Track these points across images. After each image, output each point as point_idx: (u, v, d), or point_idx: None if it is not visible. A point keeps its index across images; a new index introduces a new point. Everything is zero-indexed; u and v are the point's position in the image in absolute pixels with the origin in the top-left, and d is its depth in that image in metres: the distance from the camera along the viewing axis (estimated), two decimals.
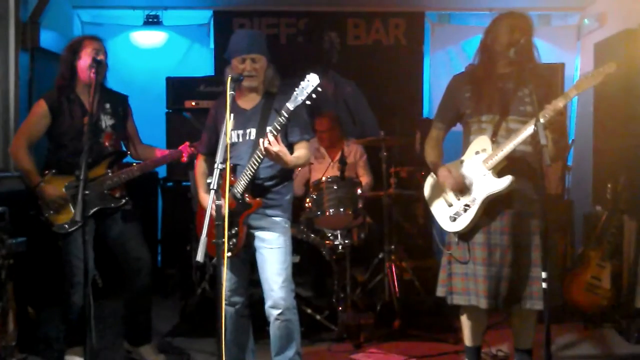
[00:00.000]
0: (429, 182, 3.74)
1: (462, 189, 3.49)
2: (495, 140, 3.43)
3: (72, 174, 3.93)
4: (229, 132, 3.03)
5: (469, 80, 3.59)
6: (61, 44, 5.97)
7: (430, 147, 3.74)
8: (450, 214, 3.54)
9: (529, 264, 3.41)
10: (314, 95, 3.21)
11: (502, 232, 3.43)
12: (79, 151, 3.79)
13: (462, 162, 3.55)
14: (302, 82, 3.22)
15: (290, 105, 3.22)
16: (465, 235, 3.51)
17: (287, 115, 3.23)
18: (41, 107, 4.00)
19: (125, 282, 4.18)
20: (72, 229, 3.93)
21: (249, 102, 3.57)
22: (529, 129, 3.25)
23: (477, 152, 3.47)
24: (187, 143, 4.24)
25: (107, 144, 4.07)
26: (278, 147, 3.22)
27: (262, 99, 3.56)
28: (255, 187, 3.46)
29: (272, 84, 3.55)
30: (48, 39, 5.68)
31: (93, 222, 4.01)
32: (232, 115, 3.05)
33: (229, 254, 2.77)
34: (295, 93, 3.22)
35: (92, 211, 3.94)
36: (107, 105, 4.11)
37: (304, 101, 3.21)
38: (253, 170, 3.36)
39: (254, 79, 3.47)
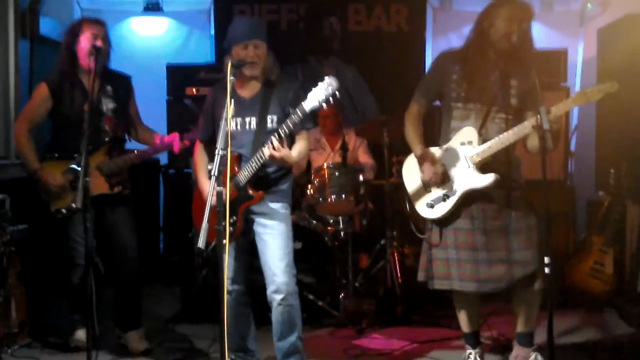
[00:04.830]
0: (409, 163, 3.69)
1: (438, 185, 3.48)
2: (481, 133, 3.41)
3: (71, 159, 3.95)
4: (230, 119, 3.01)
5: (459, 62, 3.53)
6: (61, 32, 5.93)
7: (411, 124, 3.68)
8: (428, 200, 3.53)
9: (517, 247, 3.41)
10: (331, 100, 3.21)
11: (484, 217, 3.44)
12: (79, 136, 3.80)
13: (446, 150, 3.51)
14: (320, 83, 3.22)
15: (307, 106, 3.23)
16: (441, 221, 3.51)
17: (301, 116, 3.24)
18: (43, 90, 4.01)
19: (115, 269, 4.18)
20: (69, 213, 3.94)
21: (248, 90, 3.55)
22: (520, 131, 3.27)
23: (462, 143, 3.45)
24: (177, 134, 4.14)
25: (107, 128, 4.05)
26: (282, 153, 3.26)
27: (262, 87, 3.54)
28: (258, 177, 3.45)
29: (272, 72, 3.53)
30: (47, 26, 5.66)
31: (92, 208, 3.98)
32: (232, 101, 3.03)
33: (225, 241, 2.78)
34: (312, 93, 3.22)
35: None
36: (109, 88, 4.09)
37: (320, 103, 3.21)
38: (258, 164, 3.36)
39: (256, 67, 3.43)
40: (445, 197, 3.47)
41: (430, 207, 3.52)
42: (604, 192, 5.22)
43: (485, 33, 3.45)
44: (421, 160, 3.56)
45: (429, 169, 3.50)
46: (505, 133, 3.33)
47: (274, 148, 3.24)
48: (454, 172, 3.46)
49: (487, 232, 3.44)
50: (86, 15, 6.62)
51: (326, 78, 3.22)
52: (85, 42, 3.91)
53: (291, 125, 3.26)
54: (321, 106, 3.23)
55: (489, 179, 3.35)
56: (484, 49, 3.47)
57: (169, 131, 5.85)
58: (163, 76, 6.16)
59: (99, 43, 3.85)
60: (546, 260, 3.03)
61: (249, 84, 3.54)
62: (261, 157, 3.32)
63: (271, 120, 3.46)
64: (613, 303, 4.84)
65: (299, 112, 3.24)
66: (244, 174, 3.41)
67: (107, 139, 4.03)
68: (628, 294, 4.81)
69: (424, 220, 3.62)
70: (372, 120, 5.45)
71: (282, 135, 3.27)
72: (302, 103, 3.23)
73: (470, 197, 3.44)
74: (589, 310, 4.86)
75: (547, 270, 3.03)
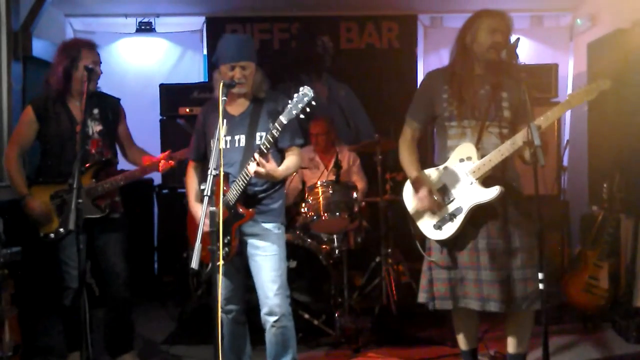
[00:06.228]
0: (409, 187, 3.60)
1: (433, 211, 3.44)
2: (479, 148, 3.39)
3: (57, 183, 3.94)
4: (222, 139, 3.02)
5: (447, 80, 3.50)
6: (53, 53, 5.99)
7: (406, 149, 3.61)
8: (434, 222, 3.46)
9: (520, 265, 3.37)
10: (308, 109, 3.18)
11: (489, 236, 3.39)
12: (65, 159, 3.88)
13: (445, 168, 3.46)
14: (296, 95, 3.19)
15: (284, 119, 3.20)
16: (447, 242, 3.46)
17: (280, 129, 3.22)
18: (28, 114, 4.01)
19: (105, 293, 4.15)
20: (58, 238, 3.93)
21: (237, 107, 3.55)
22: (518, 141, 3.23)
23: (461, 160, 3.41)
24: (166, 153, 4.08)
25: (93, 151, 4.02)
26: (266, 169, 3.24)
27: (251, 104, 3.54)
28: (247, 196, 3.43)
29: (260, 88, 3.53)
30: (40, 47, 5.66)
31: (83, 231, 3.94)
32: (224, 121, 3.04)
33: (222, 261, 2.76)
34: (289, 106, 3.20)
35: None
36: (96, 111, 4.06)
37: (297, 115, 3.19)
38: (245, 182, 3.34)
39: (243, 86, 3.45)
40: (452, 217, 3.39)
41: (438, 229, 3.44)
42: (597, 207, 5.23)
43: (468, 48, 3.44)
44: (415, 186, 3.49)
45: (426, 199, 3.41)
46: (503, 145, 3.30)
47: (257, 164, 3.22)
48: (457, 190, 3.40)
49: (490, 251, 3.37)
50: (79, 36, 6.66)
51: (301, 89, 3.19)
52: (84, 69, 3.85)
53: (271, 139, 3.24)
54: (298, 117, 3.20)
55: (494, 192, 3.29)
56: (470, 64, 3.45)
57: (163, 151, 5.83)
58: (156, 96, 6.17)
59: (94, 66, 3.86)
60: (540, 276, 3.02)
61: (238, 101, 3.55)
62: (247, 175, 3.30)
63: (260, 137, 3.44)
64: (609, 318, 4.82)
65: (277, 126, 3.22)
66: (233, 193, 3.39)
67: (93, 162, 3.98)
68: (624, 308, 4.80)
69: (423, 240, 3.56)
70: (366, 143, 5.46)
71: (265, 150, 3.25)
72: (280, 116, 3.21)
73: (475, 215, 3.38)
74: (585, 326, 4.85)
75: (541, 286, 3.02)
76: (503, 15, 3.41)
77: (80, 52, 3.94)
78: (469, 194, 3.37)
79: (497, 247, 3.38)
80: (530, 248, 3.39)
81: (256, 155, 3.23)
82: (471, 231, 3.42)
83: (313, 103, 3.19)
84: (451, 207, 3.42)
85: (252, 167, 3.23)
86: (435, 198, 3.42)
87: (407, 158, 3.61)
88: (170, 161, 4.05)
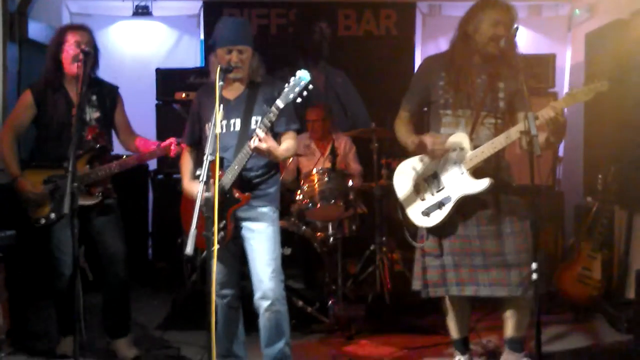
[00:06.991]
0: (400, 172, 3.63)
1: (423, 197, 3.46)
2: (472, 138, 3.39)
3: (51, 168, 3.92)
4: (218, 123, 3.00)
5: (444, 67, 3.50)
6: (50, 35, 5.92)
7: (402, 124, 3.62)
8: (422, 208, 3.48)
9: (514, 250, 3.40)
10: (304, 93, 3.18)
11: (479, 224, 3.42)
12: (61, 144, 3.84)
13: None
14: (292, 79, 3.19)
15: (281, 103, 3.20)
16: (436, 229, 3.48)
17: (277, 112, 3.22)
18: (27, 98, 4.00)
19: (103, 275, 4.13)
20: (49, 222, 3.91)
21: (232, 92, 3.54)
22: (512, 135, 3.24)
23: (454, 150, 3.41)
24: (174, 140, 4.05)
25: (89, 137, 3.99)
26: (267, 144, 3.22)
27: (246, 89, 3.53)
28: (243, 179, 3.42)
29: (257, 73, 3.52)
30: (36, 30, 5.64)
31: (76, 218, 3.95)
32: (221, 106, 3.02)
33: (217, 246, 2.76)
34: (286, 90, 3.20)
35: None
36: (94, 98, 4.04)
37: (294, 98, 3.19)
38: (241, 165, 3.33)
39: (240, 70, 3.43)
40: (440, 205, 3.42)
41: (426, 216, 3.46)
42: (592, 198, 5.24)
43: (470, 38, 3.43)
44: (421, 144, 3.44)
45: (432, 140, 3.37)
46: (497, 137, 3.31)
47: (259, 140, 3.20)
48: (447, 179, 3.43)
49: (481, 237, 3.41)
50: (75, 19, 6.63)
51: (297, 72, 3.19)
52: (69, 49, 3.87)
53: (268, 122, 3.23)
54: (295, 100, 3.20)
55: (484, 183, 3.32)
56: (469, 54, 3.45)
57: (158, 135, 5.85)
58: (152, 80, 6.15)
59: (84, 47, 3.75)
60: (534, 266, 3.03)
61: (233, 85, 3.53)
62: (246, 155, 3.29)
63: (255, 122, 3.43)
64: (601, 308, 4.84)
65: (274, 109, 3.22)
66: (229, 177, 3.37)
67: (88, 149, 3.96)
68: (616, 299, 4.82)
69: (415, 228, 3.58)
70: (362, 130, 5.45)
71: (265, 128, 3.23)
72: (277, 100, 3.22)
73: (464, 203, 3.41)
74: (578, 316, 4.87)
75: (535, 275, 3.03)
76: (507, 7, 3.39)
77: (65, 35, 3.93)
78: (459, 184, 3.39)
79: (489, 234, 3.42)
80: (523, 233, 3.42)
81: (258, 131, 3.22)
82: (461, 219, 3.45)
83: (310, 87, 3.19)
84: (440, 196, 3.44)
85: (255, 141, 3.21)
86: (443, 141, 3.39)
87: (404, 132, 3.60)
88: (182, 144, 3.98)
